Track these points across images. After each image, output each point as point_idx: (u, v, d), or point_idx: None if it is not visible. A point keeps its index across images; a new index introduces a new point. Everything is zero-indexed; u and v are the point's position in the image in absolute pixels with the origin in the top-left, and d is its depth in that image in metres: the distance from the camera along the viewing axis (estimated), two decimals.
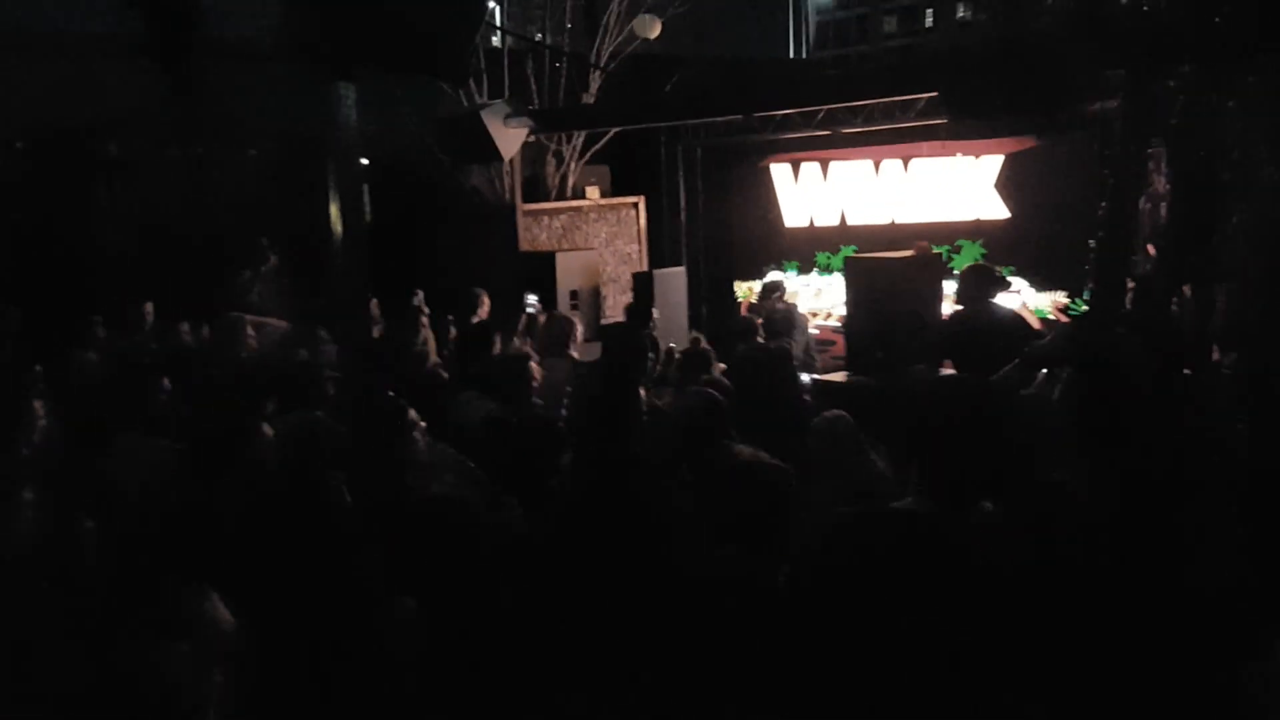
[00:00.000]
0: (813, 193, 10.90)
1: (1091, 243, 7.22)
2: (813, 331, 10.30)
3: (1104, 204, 6.99)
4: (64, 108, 10.03)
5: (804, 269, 10.94)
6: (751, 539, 2.78)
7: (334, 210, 3.25)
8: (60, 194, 10.05)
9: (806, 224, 10.91)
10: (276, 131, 10.76)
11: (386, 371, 4.69)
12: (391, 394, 3.70)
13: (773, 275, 10.67)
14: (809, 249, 10.91)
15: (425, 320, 6.89)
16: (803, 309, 10.23)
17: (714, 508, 2.95)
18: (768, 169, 11.04)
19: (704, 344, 6.02)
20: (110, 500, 3.28)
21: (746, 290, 11.07)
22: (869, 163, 10.35)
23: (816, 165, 10.71)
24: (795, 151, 10.66)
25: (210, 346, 6.52)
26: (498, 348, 5.91)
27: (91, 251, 10.04)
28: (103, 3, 9.56)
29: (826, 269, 10.72)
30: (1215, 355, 5.70)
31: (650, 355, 6.09)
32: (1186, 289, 6.63)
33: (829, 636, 2.17)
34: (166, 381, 5.01)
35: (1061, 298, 8.93)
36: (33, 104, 9.95)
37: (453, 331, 7.05)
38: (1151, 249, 7.11)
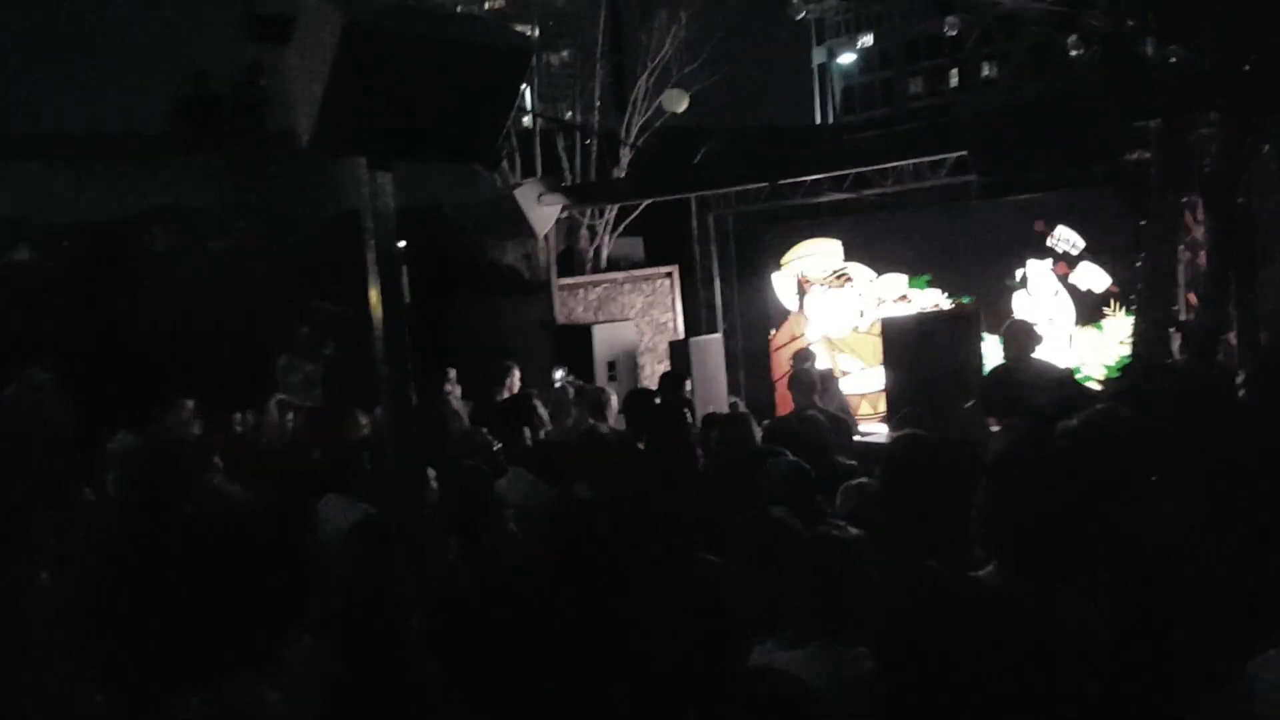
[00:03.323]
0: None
1: (1132, 296, 7.16)
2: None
3: (1143, 254, 6.95)
4: (106, 204, 10.33)
5: None
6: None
7: (374, 295, 3.30)
8: (105, 287, 10.29)
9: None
10: (315, 218, 11.02)
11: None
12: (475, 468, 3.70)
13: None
14: None
15: (451, 395, 6.89)
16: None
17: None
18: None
19: (742, 408, 6.00)
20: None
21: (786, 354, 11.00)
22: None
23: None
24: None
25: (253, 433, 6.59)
26: (545, 422, 5.87)
27: (137, 342, 10.25)
28: (144, 103, 9.89)
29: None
30: None
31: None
32: (1232, 337, 6.53)
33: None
34: (218, 460, 5.07)
35: None
36: (77, 201, 10.26)
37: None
38: (1193, 297, 7.03)
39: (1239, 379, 4.75)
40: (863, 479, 3.89)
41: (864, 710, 2.26)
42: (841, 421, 6.21)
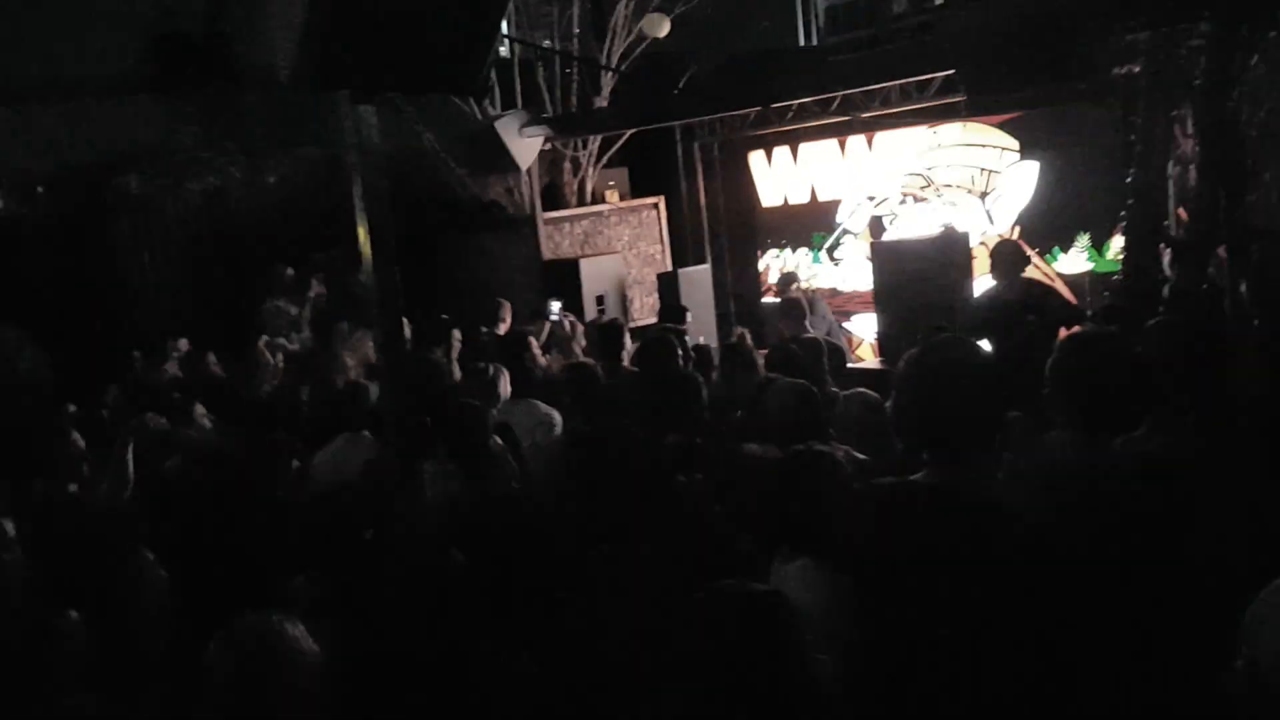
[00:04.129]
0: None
1: (1122, 212, 7.12)
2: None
3: (1132, 170, 6.91)
4: (81, 148, 10.10)
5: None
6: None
7: (361, 232, 3.26)
8: (83, 233, 10.13)
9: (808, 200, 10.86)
10: (296, 156, 10.83)
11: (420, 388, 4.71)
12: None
13: (775, 257, 10.72)
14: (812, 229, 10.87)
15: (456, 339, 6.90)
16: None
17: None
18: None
19: (748, 340, 5.97)
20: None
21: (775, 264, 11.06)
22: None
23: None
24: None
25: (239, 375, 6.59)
26: (539, 357, 5.91)
27: (118, 288, 10.14)
28: (116, 43, 9.64)
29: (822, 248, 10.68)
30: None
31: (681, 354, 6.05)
32: (1222, 251, 6.52)
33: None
34: (200, 408, 5.07)
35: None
36: (51, 147, 10.03)
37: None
38: (1183, 213, 6.99)
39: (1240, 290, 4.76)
40: (865, 398, 3.92)
41: (839, 624, 2.31)
42: (837, 348, 6.22)
